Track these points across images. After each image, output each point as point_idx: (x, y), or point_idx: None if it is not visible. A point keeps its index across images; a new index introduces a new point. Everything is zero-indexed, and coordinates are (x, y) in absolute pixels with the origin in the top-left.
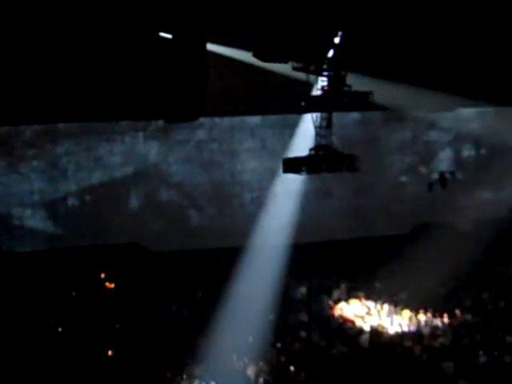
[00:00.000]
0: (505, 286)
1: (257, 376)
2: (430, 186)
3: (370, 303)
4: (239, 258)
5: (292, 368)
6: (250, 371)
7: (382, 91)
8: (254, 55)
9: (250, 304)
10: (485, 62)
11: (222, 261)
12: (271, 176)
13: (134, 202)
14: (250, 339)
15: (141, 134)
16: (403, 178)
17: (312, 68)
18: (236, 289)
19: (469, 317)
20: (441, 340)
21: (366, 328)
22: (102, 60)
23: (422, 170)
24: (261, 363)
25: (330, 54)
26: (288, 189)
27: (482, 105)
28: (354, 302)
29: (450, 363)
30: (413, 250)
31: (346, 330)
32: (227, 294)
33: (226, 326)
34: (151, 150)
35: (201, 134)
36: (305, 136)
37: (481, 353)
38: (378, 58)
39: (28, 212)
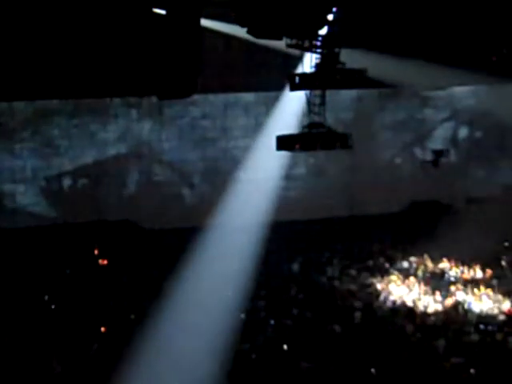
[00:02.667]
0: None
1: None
2: (424, 164)
3: (363, 280)
4: (231, 235)
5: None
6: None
7: (376, 68)
8: (248, 32)
9: (239, 281)
10: (478, 38)
11: (212, 238)
12: (264, 153)
13: (127, 179)
14: (242, 316)
15: (134, 111)
16: (396, 156)
17: (306, 45)
18: (227, 265)
19: (462, 294)
20: (433, 318)
21: (359, 305)
22: (95, 36)
23: (416, 148)
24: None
25: (324, 31)
26: (281, 166)
27: (475, 82)
28: (346, 278)
29: (442, 341)
30: (405, 227)
31: (339, 307)
32: (217, 270)
33: (214, 300)
34: (144, 127)
35: (194, 111)
36: (298, 113)
37: (472, 330)
38: (371, 34)
39: (20, 189)
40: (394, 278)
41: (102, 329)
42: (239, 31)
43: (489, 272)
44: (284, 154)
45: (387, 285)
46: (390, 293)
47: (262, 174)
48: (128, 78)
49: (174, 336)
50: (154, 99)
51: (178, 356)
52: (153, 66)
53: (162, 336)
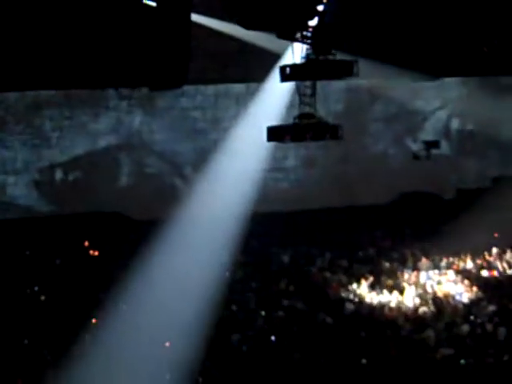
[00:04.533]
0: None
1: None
2: (415, 155)
3: (354, 272)
4: (221, 226)
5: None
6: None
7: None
8: (238, 23)
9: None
10: (468, 29)
11: (202, 228)
12: (255, 144)
13: (118, 170)
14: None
15: (125, 103)
16: (387, 148)
17: (296, 36)
18: (216, 256)
19: (452, 285)
20: (423, 309)
21: (350, 297)
22: (86, 28)
23: (407, 139)
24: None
25: (315, 21)
26: (271, 157)
27: (466, 74)
28: (337, 270)
29: (432, 332)
30: (396, 218)
31: (330, 299)
32: (206, 261)
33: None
34: (135, 119)
35: (185, 102)
36: (289, 104)
37: (462, 322)
38: (362, 25)
39: (11, 180)
40: (385, 268)
41: (93, 320)
42: (229, 27)
43: (479, 263)
44: (275, 144)
45: (378, 276)
46: (380, 284)
47: (252, 165)
48: (119, 69)
49: (163, 327)
50: (145, 90)
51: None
52: (144, 57)
53: (152, 328)
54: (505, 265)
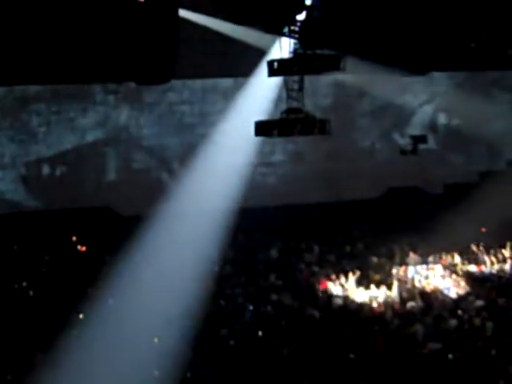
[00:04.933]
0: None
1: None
2: (402, 150)
3: (342, 267)
4: (209, 221)
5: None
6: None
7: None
8: (225, 18)
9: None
10: (456, 24)
11: (190, 223)
12: (243, 138)
13: (105, 165)
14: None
15: (112, 97)
16: (375, 142)
17: (284, 30)
18: (204, 250)
19: (440, 280)
20: (411, 304)
21: (338, 292)
22: (74, 23)
23: (394, 134)
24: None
25: (302, 16)
26: (259, 151)
27: (454, 68)
28: (325, 265)
29: (420, 327)
30: (384, 213)
31: (318, 294)
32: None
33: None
34: (123, 113)
35: (172, 97)
36: (277, 99)
37: (450, 316)
38: (350, 20)
39: None
40: (372, 263)
41: (80, 316)
42: (216, 23)
43: (466, 258)
44: (262, 139)
45: (366, 271)
46: (368, 279)
47: (240, 160)
48: (106, 64)
49: (151, 322)
50: (133, 85)
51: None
52: (131, 52)
53: (139, 323)
54: (492, 259)
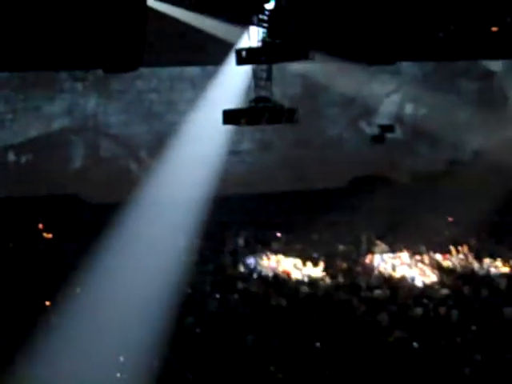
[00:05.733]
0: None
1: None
2: (371, 139)
3: (309, 255)
4: (176, 210)
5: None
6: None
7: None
8: (194, 7)
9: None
10: (424, 14)
11: (158, 212)
12: (211, 127)
13: (72, 153)
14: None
15: (80, 85)
16: (342, 131)
17: (253, 19)
18: (170, 240)
19: (406, 269)
20: (377, 292)
21: (305, 280)
22: (41, 8)
23: (362, 123)
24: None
25: (271, 5)
26: (228, 140)
27: (421, 58)
28: (292, 253)
29: (386, 315)
30: (351, 202)
31: (284, 282)
32: (163, 245)
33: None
34: (90, 101)
35: (140, 85)
36: (245, 88)
37: (416, 304)
38: (318, 8)
39: None
40: (339, 251)
41: (47, 303)
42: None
43: (433, 247)
44: (231, 128)
45: (332, 259)
46: (335, 267)
47: (208, 149)
48: (74, 51)
49: (116, 310)
50: (100, 72)
51: (121, 331)
52: (98, 39)
53: (104, 311)
54: (458, 248)
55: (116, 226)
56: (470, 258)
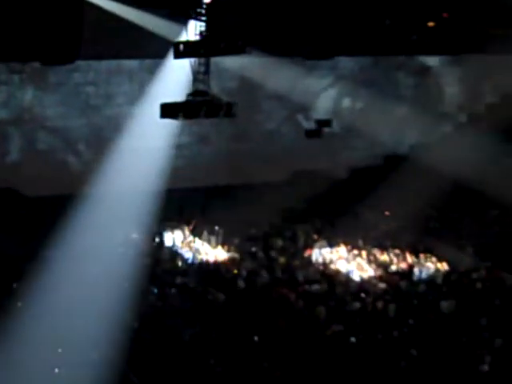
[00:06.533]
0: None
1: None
2: (308, 134)
3: (247, 249)
4: (115, 203)
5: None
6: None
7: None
8: (131, 1)
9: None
10: (361, 9)
11: (97, 205)
12: (149, 121)
13: (9, 145)
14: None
15: (16, 77)
16: (280, 125)
17: (191, 13)
18: (110, 234)
19: (343, 263)
20: (315, 286)
21: (242, 274)
22: None
23: (299, 117)
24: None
25: None
26: (165, 134)
27: (358, 53)
28: (230, 247)
29: (323, 308)
30: (289, 196)
31: (222, 276)
32: (101, 238)
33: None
34: (27, 94)
35: (77, 77)
36: (183, 81)
37: (353, 299)
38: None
39: None
40: (277, 246)
41: None
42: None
43: (370, 241)
44: (169, 122)
45: (269, 252)
46: (272, 261)
47: (146, 143)
48: (10, 44)
49: (57, 307)
50: (37, 65)
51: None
52: (35, 31)
53: (45, 308)
54: (395, 243)
55: (54, 219)
56: (407, 253)
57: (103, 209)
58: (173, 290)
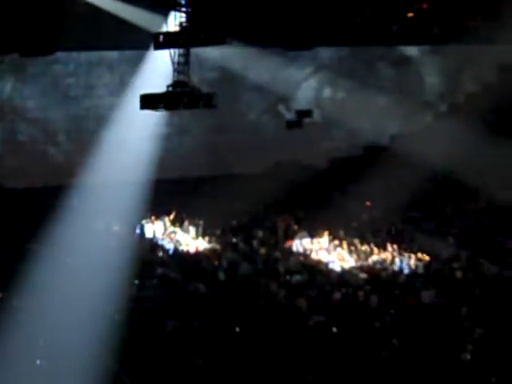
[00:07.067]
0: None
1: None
2: (288, 124)
3: (227, 239)
4: (96, 194)
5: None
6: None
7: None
8: None
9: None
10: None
11: (78, 197)
12: (130, 112)
13: None
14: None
15: None
16: (260, 116)
17: (171, 3)
18: (91, 225)
19: (324, 254)
20: (296, 277)
21: (223, 265)
22: None
23: (280, 108)
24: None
25: None
26: (146, 125)
27: (339, 43)
28: (210, 239)
29: (304, 300)
30: (269, 187)
31: (203, 267)
32: (82, 229)
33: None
34: (6, 85)
35: (57, 69)
36: (163, 72)
37: (335, 289)
38: None
39: None
40: (258, 237)
41: None
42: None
43: (351, 231)
44: (150, 113)
45: (250, 242)
46: (253, 252)
47: (127, 134)
48: None
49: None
50: (17, 56)
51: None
52: (14, 22)
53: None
54: (376, 233)
55: (36, 210)
56: (388, 243)
57: (84, 200)
58: (154, 281)
